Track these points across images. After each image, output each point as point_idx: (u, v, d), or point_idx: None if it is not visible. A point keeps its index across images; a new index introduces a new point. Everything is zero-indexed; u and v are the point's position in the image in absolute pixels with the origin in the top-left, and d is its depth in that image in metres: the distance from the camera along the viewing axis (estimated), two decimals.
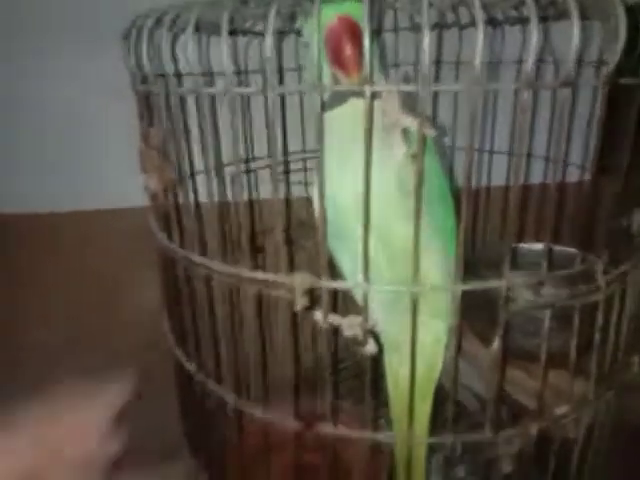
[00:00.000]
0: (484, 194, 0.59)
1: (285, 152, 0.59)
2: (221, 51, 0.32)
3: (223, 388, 0.40)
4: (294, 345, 0.37)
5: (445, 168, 0.35)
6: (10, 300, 0.66)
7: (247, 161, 0.56)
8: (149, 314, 0.55)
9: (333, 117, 0.33)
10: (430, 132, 0.29)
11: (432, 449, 0.40)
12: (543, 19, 0.42)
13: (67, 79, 0.59)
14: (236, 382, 0.40)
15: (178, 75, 0.39)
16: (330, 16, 0.30)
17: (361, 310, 0.33)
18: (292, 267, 0.33)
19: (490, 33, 0.47)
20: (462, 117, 0.50)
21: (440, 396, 0.36)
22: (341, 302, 0.44)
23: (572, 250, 0.44)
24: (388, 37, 0.53)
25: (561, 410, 0.37)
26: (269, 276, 0.34)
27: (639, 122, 0.37)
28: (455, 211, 0.35)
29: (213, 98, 0.37)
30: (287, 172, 0.60)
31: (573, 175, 0.51)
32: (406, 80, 0.28)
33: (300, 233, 0.58)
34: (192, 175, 0.50)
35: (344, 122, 0.32)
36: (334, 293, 0.37)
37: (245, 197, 0.49)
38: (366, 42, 0.26)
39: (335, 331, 0.34)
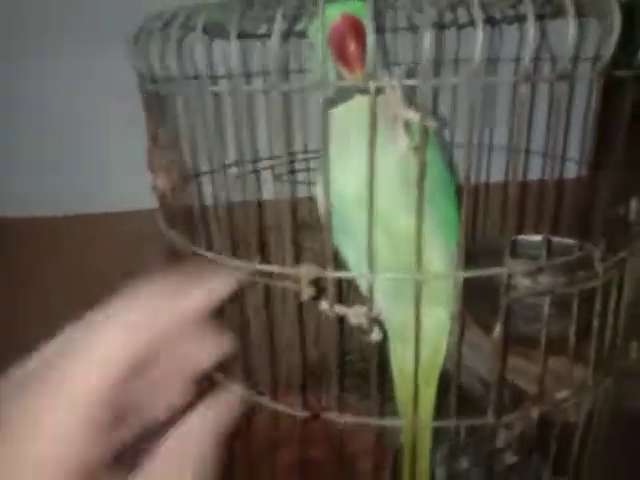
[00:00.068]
0: (483, 189, 0.60)
1: (288, 152, 0.60)
2: (227, 53, 0.33)
3: (231, 379, 0.41)
4: (301, 335, 0.38)
5: (446, 161, 0.36)
6: (11, 301, 0.66)
7: (254, 161, 0.58)
8: None
9: (338, 114, 0.34)
10: (431, 124, 0.30)
11: (437, 441, 0.41)
12: (540, 17, 0.43)
13: (68, 80, 0.60)
14: (244, 373, 0.41)
15: (186, 77, 0.41)
16: (334, 15, 0.31)
17: (366, 299, 0.34)
18: (298, 261, 0.35)
19: (488, 32, 0.48)
20: (461, 113, 0.51)
21: (445, 382, 0.37)
22: (346, 292, 0.46)
23: (570, 241, 0.45)
24: (387, 37, 0.54)
25: (561, 395, 0.38)
26: (276, 268, 0.35)
27: (634, 115, 0.38)
28: (456, 202, 0.36)
29: (217, 99, 0.38)
30: (291, 172, 0.61)
31: (571, 170, 0.52)
32: (408, 75, 0.29)
33: (304, 235, 0.59)
34: (198, 175, 0.52)
35: (349, 118, 0.33)
36: (339, 284, 0.38)
37: (251, 196, 0.50)
38: (369, 39, 0.28)
39: (341, 320, 0.36)
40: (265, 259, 0.45)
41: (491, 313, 0.35)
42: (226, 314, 0.41)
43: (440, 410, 0.38)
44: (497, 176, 0.58)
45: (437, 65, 0.49)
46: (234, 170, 0.55)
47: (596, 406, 0.41)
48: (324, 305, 0.35)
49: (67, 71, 0.59)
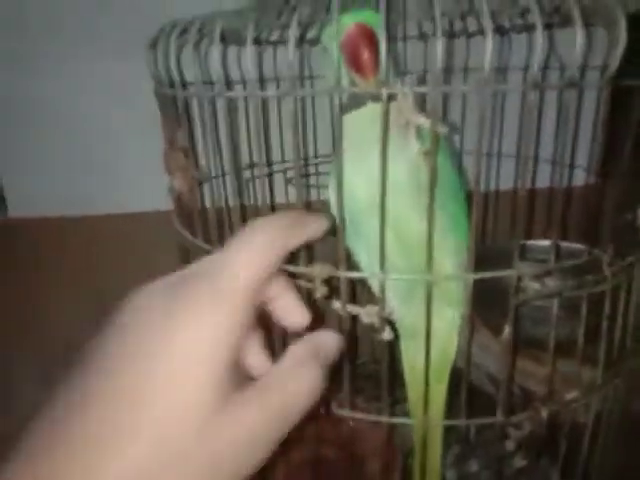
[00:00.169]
0: (493, 196, 0.60)
1: (300, 156, 0.61)
2: (243, 59, 0.34)
3: None
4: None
5: (456, 166, 0.37)
6: (20, 301, 0.67)
7: (267, 165, 0.59)
8: None
9: (351, 119, 0.35)
10: (442, 130, 0.31)
11: (447, 443, 0.42)
12: (548, 26, 0.44)
13: (76, 81, 0.61)
14: None
15: (203, 81, 0.42)
16: (348, 24, 0.32)
17: (378, 300, 0.35)
18: (311, 260, 0.36)
19: (498, 40, 0.49)
20: (471, 120, 0.52)
21: (456, 380, 0.38)
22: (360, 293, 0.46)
23: (579, 246, 0.46)
24: (399, 46, 0.55)
25: (570, 395, 0.38)
26: (290, 267, 0.36)
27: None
28: (466, 207, 0.37)
29: (232, 103, 0.39)
30: (304, 175, 0.62)
31: (579, 178, 0.53)
32: (419, 82, 0.30)
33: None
34: (213, 177, 0.53)
35: (362, 124, 0.34)
36: (353, 285, 0.39)
37: (265, 199, 0.51)
38: (381, 48, 0.29)
39: (354, 320, 0.37)
40: None
41: (500, 315, 0.36)
42: None
43: (450, 410, 0.38)
44: (506, 183, 0.59)
45: (447, 73, 0.49)
46: (247, 173, 0.56)
47: (605, 407, 0.41)
48: (337, 304, 0.36)
49: (75, 72, 0.60)
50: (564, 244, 0.44)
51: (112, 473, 0.20)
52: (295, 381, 0.24)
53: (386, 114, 0.30)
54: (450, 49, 0.53)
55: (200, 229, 0.45)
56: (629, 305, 0.41)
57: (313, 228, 0.28)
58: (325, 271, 0.34)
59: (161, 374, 0.21)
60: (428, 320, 0.34)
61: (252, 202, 0.55)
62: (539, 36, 0.29)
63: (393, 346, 0.39)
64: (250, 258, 0.24)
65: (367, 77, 0.31)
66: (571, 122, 0.33)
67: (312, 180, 0.63)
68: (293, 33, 0.31)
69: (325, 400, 0.38)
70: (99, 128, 0.63)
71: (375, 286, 0.36)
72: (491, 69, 0.28)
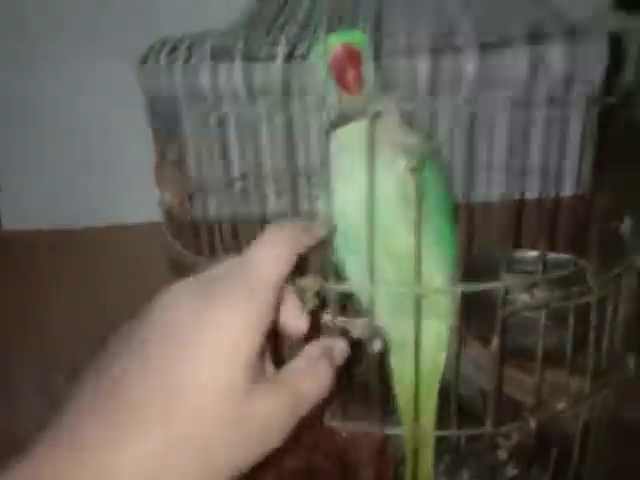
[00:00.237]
0: (481, 207, 0.61)
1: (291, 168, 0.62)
2: (232, 76, 0.34)
3: None
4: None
5: (444, 180, 0.37)
6: (25, 315, 0.67)
7: (257, 176, 0.59)
8: None
9: (341, 135, 0.35)
10: (428, 147, 0.31)
11: (438, 453, 0.42)
12: (530, 42, 0.45)
13: (74, 92, 0.61)
14: None
15: (192, 97, 0.42)
16: (334, 43, 0.33)
17: (367, 312, 0.36)
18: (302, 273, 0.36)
19: (484, 55, 0.50)
20: (458, 134, 0.52)
21: (446, 393, 0.38)
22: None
23: (566, 256, 0.47)
24: (386, 61, 0.56)
25: (559, 405, 0.39)
26: None
27: (627, 138, 0.40)
28: (454, 220, 0.37)
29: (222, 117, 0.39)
30: (293, 187, 0.62)
31: (568, 189, 0.53)
32: (405, 99, 0.31)
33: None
34: (205, 189, 0.53)
35: (351, 139, 0.35)
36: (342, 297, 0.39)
37: (255, 210, 0.51)
38: (367, 67, 0.29)
39: (344, 332, 0.37)
40: None
41: (490, 327, 0.36)
42: None
43: (441, 421, 0.39)
44: (494, 194, 0.59)
45: (433, 87, 0.50)
46: (238, 185, 0.57)
47: (594, 416, 0.42)
48: (327, 317, 0.36)
49: (75, 83, 0.61)
50: (552, 255, 0.45)
51: (146, 450, 0.22)
52: (309, 377, 0.27)
53: (372, 130, 0.31)
54: (437, 64, 0.53)
55: (191, 241, 0.45)
56: (617, 316, 0.41)
57: (319, 232, 0.31)
58: (316, 284, 0.35)
59: (193, 360, 0.23)
60: (417, 332, 0.35)
61: (243, 214, 0.56)
62: (522, 53, 0.30)
63: (384, 358, 0.39)
64: (273, 259, 0.26)
65: (353, 94, 0.32)
66: (558, 134, 0.34)
67: (303, 190, 0.64)
68: (282, 50, 0.32)
69: (319, 410, 0.38)
70: (99, 138, 0.63)
71: (364, 299, 0.36)
72: (475, 86, 0.29)
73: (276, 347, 0.30)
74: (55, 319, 0.67)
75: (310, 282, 0.34)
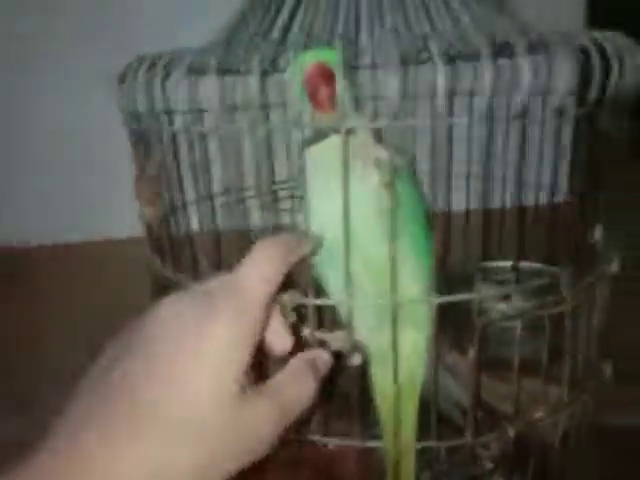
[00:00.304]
0: (455, 217, 0.61)
1: (272, 182, 0.62)
2: (210, 93, 0.35)
3: None
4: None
5: (418, 192, 0.38)
6: (28, 329, 0.67)
7: (238, 191, 0.59)
8: None
9: (317, 151, 0.36)
10: (399, 162, 0.32)
11: (420, 467, 0.42)
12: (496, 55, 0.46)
13: (76, 110, 0.62)
14: None
15: (170, 113, 0.43)
16: (308, 61, 0.33)
17: (346, 325, 0.36)
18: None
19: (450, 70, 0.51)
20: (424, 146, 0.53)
21: (425, 407, 0.38)
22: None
23: (541, 265, 0.48)
24: (360, 75, 0.57)
25: (537, 414, 0.39)
26: None
27: (601, 147, 0.41)
28: (429, 231, 0.38)
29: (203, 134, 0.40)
30: (275, 200, 0.63)
31: (543, 197, 0.54)
32: (376, 116, 0.32)
33: None
34: (185, 205, 0.53)
35: (327, 155, 0.35)
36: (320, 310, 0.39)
37: (235, 225, 0.52)
38: (339, 85, 0.30)
39: (322, 345, 0.37)
40: None
41: (468, 337, 0.37)
42: None
43: (422, 433, 0.39)
44: (472, 204, 0.60)
45: (405, 101, 0.51)
46: (219, 200, 0.57)
47: (573, 424, 0.42)
48: (306, 331, 0.36)
49: (75, 72, 0.61)
50: (527, 264, 0.46)
51: (142, 448, 0.23)
52: (294, 388, 0.28)
53: (345, 147, 0.31)
54: (406, 77, 0.55)
55: (170, 257, 0.45)
56: (591, 324, 0.42)
57: (306, 246, 0.32)
58: (295, 298, 0.35)
59: (192, 370, 0.25)
60: (394, 343, 0.35)
61: (224, 228, 0.56)
62: (486, 68, 0.31)
63: (364, 370, 0.39)
64: (260, 278, 0.28)
65: (326, 112, 0.33)
66: (524, 147, 0.35)
67: (285, 204, 0.64)
68: (256, 66, 0.32)
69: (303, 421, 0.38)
70: (97, 154, 0.64)
71: (344, 312, 0.36)
72: (446, 99, 0.30)
73: (261, 362, 0.30)
74: (54, 333, 0.67)
75: (289, 297, 0.34)
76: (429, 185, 0.32)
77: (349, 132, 0.31)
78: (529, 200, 0.53)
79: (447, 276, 0.35)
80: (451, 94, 0.58)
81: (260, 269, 0.28)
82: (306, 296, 0.35)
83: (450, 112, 0.59)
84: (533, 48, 0.40)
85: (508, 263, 0.39)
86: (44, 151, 0.64)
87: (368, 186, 0.34)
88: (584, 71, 0.39)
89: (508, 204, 0.56)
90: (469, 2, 0.44)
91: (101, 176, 0.65)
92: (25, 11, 0.59)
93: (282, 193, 0.64)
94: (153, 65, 0.41)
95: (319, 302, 0.36)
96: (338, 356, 0.35)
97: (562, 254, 0.39)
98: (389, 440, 0.39)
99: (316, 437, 0.39)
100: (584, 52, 0.38)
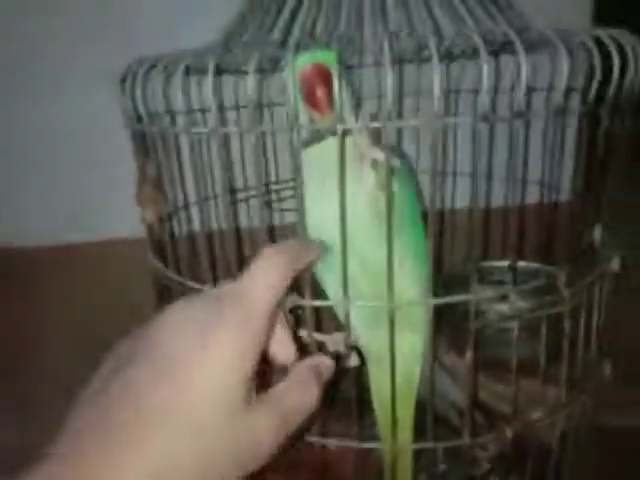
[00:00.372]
0: (449, 216, 0.61)
1: (267, 182, 0.63)
2: (209, 94, 0.35)
3: None
4: None
5: (415, 193, 0.38)
6: (33, 326, 0.67)
7: (232, 192, 0.60)
8: None
9: (313, 152, 0.36)
10: (395, 163, 0.32)
11: (417, 469, 0.42)
12: (494, 53, 0.46)
13: (77, 110, 0.62)
14: None
15: (171, 113, 0.43)
16: (304, 62, 0.33)
17: (343, 327, 0.36)
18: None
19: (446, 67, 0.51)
20: (425, 144, 0.53)
21: (422, 408, 0.38)
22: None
23: (539, 265, 0.47)
24: (355, 75, 0.57)
25: (535, 414, 0.39)
26: None
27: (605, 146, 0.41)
28: (425, 232, 0.38)
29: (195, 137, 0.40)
30: (268, 202, 0.63)
31: (535, 196, 0.54)
32: (373, 117, 0.32)
33: None
34: (186, 206, 0.54)
35: (323, 157, 0.35)
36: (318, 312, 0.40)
37: (232, 225, 0.52)
38: (336, 86, 0.30)
39: (320, 348, 0.37)
40: None
41: (466, 338, 0.37)
42: None
43: (419, 436, 0.39)
44: (463, 204, 0.60)
45: (401, 102, 0.51)
46: (220, 200, 0.57)
47: (572, 425, 0.42)
48: (303, 332, 0.36)
49: (75, 73, 0.61)
50: (522, 264, 0.46)
51: (148, 454, 0.24)
52: (297, 395, 0.28)
53: (342, 148, 0.31)
54: (402, 76, 0.54)
55: (171, 258, 0.45)
56: (591, 324, 0.42)
57: (312, 253, 0.32)
58: (292, 300, 0.35)
59: (197, 377, 0.25)
60: (392, 346, 0.35)
61: (221, 229, 0.56)
62: (484, 65, 0.31)
63: (362, 372, 0.40)
64: (265, 287, 0.28)
65: (323, 113, 0.33)
66: (520, 146, 0.34)
67: (276, 205, 0.64)
68: (252, 75, 0.32)
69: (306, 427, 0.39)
70: (100, 153, 0.64)
71: (340, 314, 0.37)
72: (442, 96, 0.30)
73: (265, 370, 0.30)
74: (55, 334, 0.67)
75: (286, 299, 0.35)
76: (430, 184, 0.32)
77: (345, 133, 0.31)
78: (530, 199, 0.53)
79: (445, 277, 0.35)
80: (456, 92, 0.58)
81: (266, 277, 0.28)
82: (303, 298, 0.35)
83: (455, 111, 0.59)
84: (534, 46, 0.40)
85: (506, 263, 0.39)
86: (44, 151, 0.64)
87: (365, 187, 0.34)
88: (589, 69, 0.39)
89: (509, 203, 0.55)
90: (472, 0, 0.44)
91: (102, 176, 0.65)
92: (25, 11, 0.59)
93: (284, 193, 0.64)
94: (153, 67, 0.41)
95: (316, 303, 0.36)
96: (337, 358, 0.35)
97: (561, 254, 0.38)
98: (386, 441, 0.39)
99: (314, 438, 0.39)
100: (588, 50, 0.37)
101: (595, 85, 0.37)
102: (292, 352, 0.31)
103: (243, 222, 0.59)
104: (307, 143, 0.36)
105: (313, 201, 0.35)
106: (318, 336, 0.37)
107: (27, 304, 0.68)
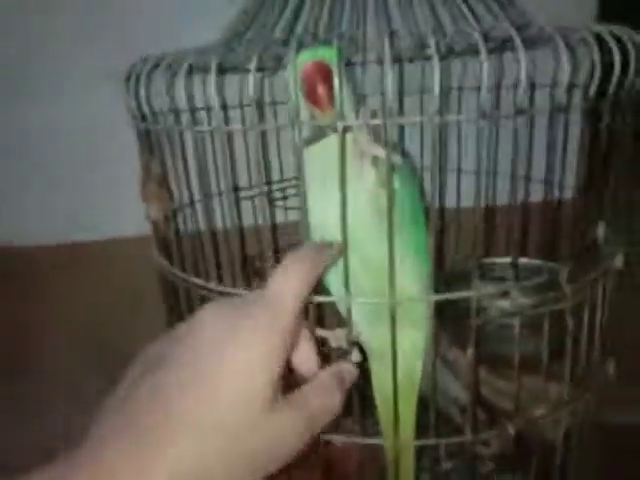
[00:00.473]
0: (454, 214, 0.61)
1: (270, 180, 0.63)
2: (211, 92, 0.35)
3: None
4: None
5: (416, 190, 0.38)
6: (35, 317, 0.68)
7: (236, 190, 0.60)
8: None
9: (316, 150, 0.36)
10: (397, 160, 0.32)
11: (420, 469, 0.42)
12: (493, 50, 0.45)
13: (77, 110, 0.62)
14: None
15: (175, 112, 0.43)
16: (306, 60, 0.34)
17: (345, 323, 0.36)
18: None
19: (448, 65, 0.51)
20: (428, 142, 0.53)
21: (424, 405, 0.39)
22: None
23: (539, 262, 0.47)
24: (357, 72, 0.57)
25: (538, 411, 0.39)
26: None
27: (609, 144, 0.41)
28: (427, 229, 0.38)
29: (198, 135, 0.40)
30: (272, 200, 0.63)
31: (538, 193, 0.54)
32: (373, 114, 0.32)
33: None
34: (191, 203, 0.54)
35: (326, 154, 0.35)
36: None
37: (237, 223, 0.52)
38: (336, 83, 0.30)
39: (322, 344, 0.37)
40: (249, 284, 0.47)
41: (468, 334, 0.37)
42: None
43: (421, 433, 0.39)
44: (465, 202, 0.60)
45: (402, 99, 0.51)
46: (219, 199, 0.57)
47: (575, 423, 0.42)
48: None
49: (74, 73, 0.62)
50: (525, 260, 0.45)
51: (180, 453, 0.24)
52: (322, 399, 0.29)
53: (342, 145, 0.31)
54: (403, 74, 0.54)
55: (177, 256, 0.46)
56: (594, 321, 0.41)
57: (329, 257, 0.33)
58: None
59: (227, 379, 0.26)
60: (393, 342, 0.35)
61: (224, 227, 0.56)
62: (484, 62, 0.31)
63: (365, 369, 0.40)
64: (293, 292, 0.29)
65: (323, 110, 0.33)
66: (524, 143, 0.34)
67: (280, 203, 0.64)
68: (253, 73, 0.33)
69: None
70: (103, 153, 0.64)
71: (342, 310, 0.37)
72: (444, 93, 0.30)
73: (288, 376, 0.31)
74: (56, 334, 0.68)
75: None
76: (432, 182, 0.32)
77: (346, 130, 0.31)
78: (534, 197, 0.53)
79: (447, 274, 0.35)
80: (459, 90, 0.58)
81: (292, 285, 0.29)
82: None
83: (458, 108, 0.59)
84: (535, 43, 0.40)
85: (508, 260, 0.39)
86: (45, 151, 0.65)
87: (366, 184, 0.34)
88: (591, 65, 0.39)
89: (514, 201, 0.55)
90: None
91: (102, 176, 0.65)
92: (25, 11, 0.60)
93: (288, 191, 0.65)
94: (157, 66, 0.42)
95: (319, 299, 0.36)
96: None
97: (565, 252, 0.38)
98: (388, 437, 0.39)
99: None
100: (589, 46, 0.37)
101: (596, 81, 0.37)
102: (314, 363, 0.32)
103: (247, 220, 0.59)
104: (309, 141, 0.36)
105: (315, 198, 0.36)
106: (320, 332, 0.37)
107: (28, 304, 0.68)
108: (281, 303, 0.28)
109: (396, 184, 0.34)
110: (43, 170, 0.66)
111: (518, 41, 0.32)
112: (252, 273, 0.59)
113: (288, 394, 0.28)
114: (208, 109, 0.53)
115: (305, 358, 0.32)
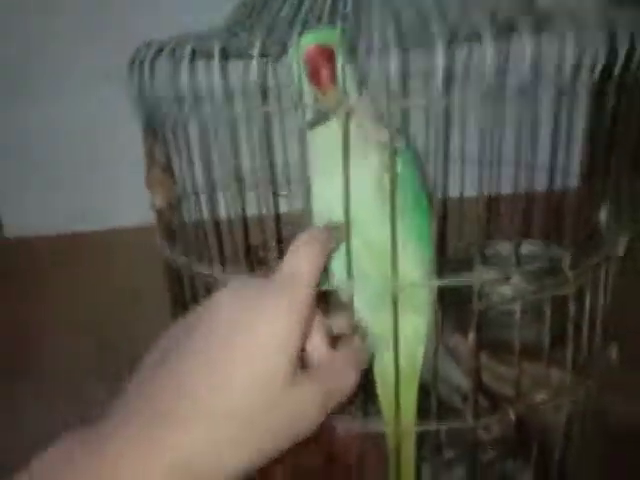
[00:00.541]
0: (457, 203, 0.61)
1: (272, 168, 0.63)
2: (214, 78, 0.35)
3: None
4: None
5: (419, 174, 0.38)
6: (35, 315, 0.68)
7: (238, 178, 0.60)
8: None
9: (320, 133, 0.36)
10: (400, 143, 0.32)
11: (422, 458, 0.42)
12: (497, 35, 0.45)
13: (81, 101, 0.62)
14: None
15: (179, 98, 0.43)
16: (309, 42, 0.33)
17: (347, 308, 0.36)
18: None
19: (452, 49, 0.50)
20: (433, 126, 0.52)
21: (425, 391, 0.39)
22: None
23: (541, 247, 0.47)
24: (361, 55, 0.56)
25: (539, 397, 0.39)
26: None
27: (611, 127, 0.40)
28: (430, 214, 0.38)
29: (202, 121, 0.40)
30: (274, 192, 0.63)
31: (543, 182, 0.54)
32: (376, 98, 0.32)
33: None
34: (196, 192, 0.54)
35: (330, 137, 0.35)
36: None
37: (240, 210, 0.52)
38: (339, 65, 0.30)
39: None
40: (253, 272, 0.47)
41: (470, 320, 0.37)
42: None
43: (423, 419, 0.39)
44: (469, 188, 0.59)
45: (405, 83, 0.51)
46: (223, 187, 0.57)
47: (577, 409, 0.42)
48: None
49: (81, 93, 0.62)
50: (530, 247, 0.45)
51: (205, 421, 0.25)
52: (338, 376, 0.30)
53: (345, 127, 0.31)
54: (407, 57, 0.54)
55: (181, 244, 0.46)
56: (596, 307, 0.41)
57: (334, 239, 0.33)
58: None
59: (251, 349, 0.27)
60: (395, 327, 0.35)
61: (231, 216, 0.56)
62: (488, 47, 0.31)
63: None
64: (308, 268, 0.30)
65: (326, 91, 0.33)
66: (527, 127, 0.34)
67: (284, 190, 0.64)
68: (256, 56, 0.33)
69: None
70: (104, 145, 0.64)
71: (344, 294, 0.37)
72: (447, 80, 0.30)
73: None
74: (56, 334, 0.68)
75: None
76: (435, 168, 0.32)
77: (350, 112, 0.31)
78: (538, 185, 0.52)
79: (449, 260, 0.35)
80: (464, 74, 0.57)
81: (305, 267, 0.30)
82: None
83: (464, 94, 0.58)
84: (541, 25, 0.39)
85: (510, 245, 0.39)
86: (45, 151, 0.65)
87: (369, 167, 0.34)
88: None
89: (517, 189, 0.55)
90: None
91: (103, 176, 0.65)
92: (25, 11, 0.60)
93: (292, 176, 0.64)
94: (160, 50, 0.42)
95: (322, 284, 0.36)
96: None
97: (566, 236, 0.38)
98: (390, 423, 0.39)
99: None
100: (595, 28, 0.37)
101: (601, 63, 0.36)
102: (325, 349, 0.32)
103: (251, 209, 0.59)
104: (312, 124, 0.36)
105: (319, 182, 0.36)
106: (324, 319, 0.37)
107: (28, 304, 0.68)
108: (297, 283, 0.29)
109: (399, 168, 0.33)
110: (43, 170, 0.66)
111: (525, 25, 0.31)
112: (256, 262, 0.59)
113: (307, 369, 0.29)
114: (211, 94, 0.53)
115: (317, 344, 0.32)
